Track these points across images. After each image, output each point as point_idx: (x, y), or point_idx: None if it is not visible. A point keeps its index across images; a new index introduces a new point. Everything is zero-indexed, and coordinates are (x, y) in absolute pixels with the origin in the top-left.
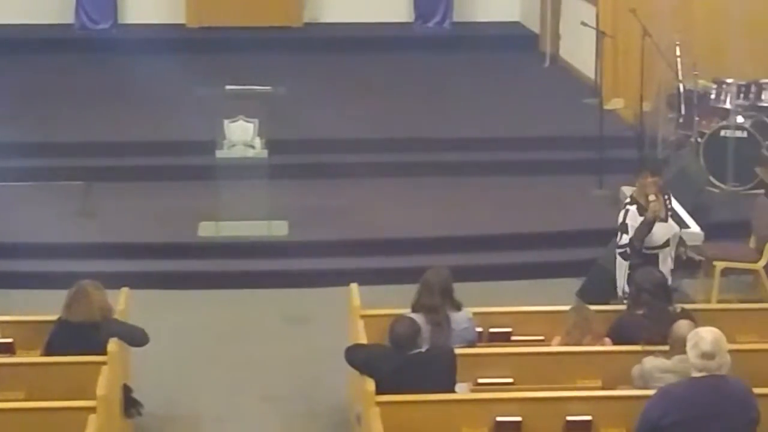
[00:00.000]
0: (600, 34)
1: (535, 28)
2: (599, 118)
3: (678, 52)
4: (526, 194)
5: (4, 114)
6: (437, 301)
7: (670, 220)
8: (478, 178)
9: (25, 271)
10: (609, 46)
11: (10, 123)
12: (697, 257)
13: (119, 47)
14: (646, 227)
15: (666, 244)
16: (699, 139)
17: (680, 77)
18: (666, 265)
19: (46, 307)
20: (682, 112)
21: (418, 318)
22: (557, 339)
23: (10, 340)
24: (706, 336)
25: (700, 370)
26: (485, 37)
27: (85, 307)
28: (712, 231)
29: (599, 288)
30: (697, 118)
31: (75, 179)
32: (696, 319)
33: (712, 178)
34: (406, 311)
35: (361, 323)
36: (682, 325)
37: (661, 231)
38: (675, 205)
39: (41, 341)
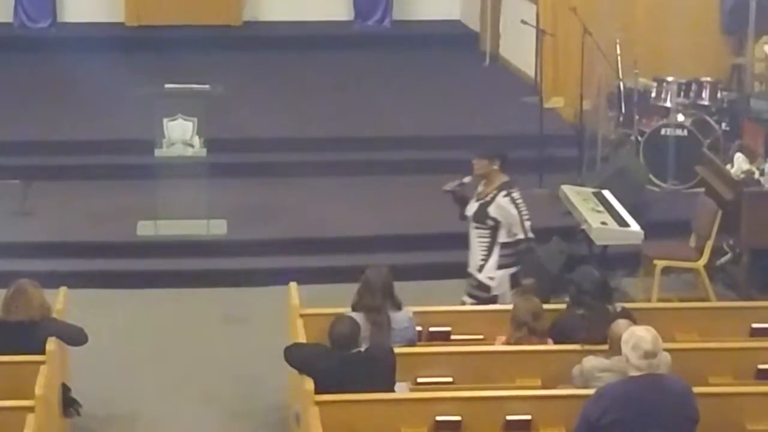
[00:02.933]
0: (540, 33)
1: (476, 26)
2: (539, 116)
3: (618, 51)
4: None
5: None
6: (378, 301)
7: (474, 203)
8: (418, 176)
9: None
10: (549, 45)
11: None
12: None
13: (58, 46)
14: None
15: (472, 219)
16: (639, 138)
17: (621, 76)
18: (474, 244)
19: None
20: (623, 110)
21: (358, 317)
22: (501, 339)
23: None
24: (646, 335)
25: (641, 370)
26: (425, 35)
27: (24, 306)
28: (652, 230)
29: (539, 287)
30: (637, 117)
31: (12, 178)
32: (636, 318)
33: (652, 177)
34: (346, 310)
35: (300, 322)
36: (620, 324)
37: (469, 205)
38: (614, 203)
39: None
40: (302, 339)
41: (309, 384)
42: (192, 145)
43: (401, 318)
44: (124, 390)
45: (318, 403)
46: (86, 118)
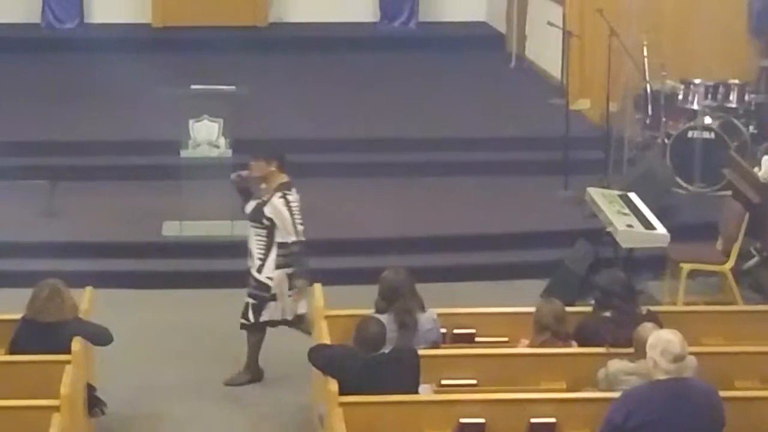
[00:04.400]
0: (566, 35)
1: (502, 28)
2: (565, 118)
3: (645, 53)
4: (492, 194)
5: None
6: (408, 303)
7: (252, 202)
8: (444, 178)
9: None
10: (575, 47)
11: None
12: None
13: (85, 46)
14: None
15: (249, 217)
16: (666, 140)
17: (647, 78)
18: (252, 243)
19: (10, 305)
20: (649, 112)
21: (384, 319)
22: (524, 342)
23: None
24: (674, 339)
25: (669, 374)
26: (451, 37)
27: (58, 307)
28: (678, 232)
29: (564, 289)
30: (664, 119)
31: (39, 178)
32: (662, 321)
33: (678, 180)
34: (370, 312)
35: (324, 323)
36: (646, 327)
37: (249, 206)
38: (641, 205)
39: (5, 340)
40: (326, 340)
41: (333, 385)
42: (217, 146)
43: (426, 319)
44: (149, 390)
45: (342, 404)
46: (112, 119)
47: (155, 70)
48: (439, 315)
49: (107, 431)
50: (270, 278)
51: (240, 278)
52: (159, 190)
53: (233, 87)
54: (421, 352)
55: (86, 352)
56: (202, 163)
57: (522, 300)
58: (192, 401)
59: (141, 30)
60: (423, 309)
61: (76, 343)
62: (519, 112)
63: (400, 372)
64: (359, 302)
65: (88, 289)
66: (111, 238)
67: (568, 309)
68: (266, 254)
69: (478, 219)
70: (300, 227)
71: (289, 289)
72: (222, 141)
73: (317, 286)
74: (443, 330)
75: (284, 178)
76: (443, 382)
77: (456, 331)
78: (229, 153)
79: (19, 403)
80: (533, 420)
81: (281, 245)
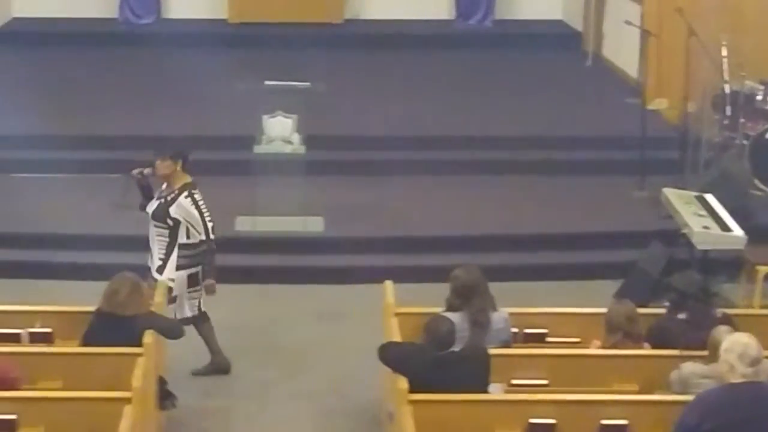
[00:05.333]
0: (644, 33)
1: (578, 26)
2: (642, 118)
3: (724, 53)
4: (566, 194)
5: (46, 106)
6: (482, 301)
7: (155, 201)
8: (517, 177)
9: (63, 261)
10: (653, 46)
11: (52, 115)
12: None
13: (161, 42)
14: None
15: (152, 217)
16: (744, 142)
17: (726, 78)
18: (153, 243)
19: (84, 297)
20: (727, 113)
21: (454, 317)
22: (596, 343)
23: (49, 329)
24: (751, 342)
25: (746, 377)
26: (527, 35)
27: (137, 301)
28: (755, 235)
29: (638, 290)
30: (742, 120)
31: (114, 172)
32: (737, 324)
33: (756, 181)
34: (440, 309)
35: (394, 321)
36: (721, 330)
37: (152, 202)
38: (717, 207)
39: (79, 331)
40: (396, 337)
41: (403, 383)
42: (291, 142)
43: (497, 319)
44: (220, 384)
45: (411, 402)
46: (187, 114)
47: (230, 65)
48: (510, 314)
49: (178, 425)
50: (171, 279)
51: (314, 273)
52: (232, 186)
53: (308, 83)
54: (492, 351)
55: (158, 345)
56: (275, 158)
57: (595, 300)
58: (262, 396)
59: (217, 26)
60: (495, 308)
61: (149, 337)
62: (595, 112)
63: (470, 371)
64: (429, 300)
65: (161, 282)
66: None
67: (642, 310)
68: (168, 255)
69: (552, 218)
70: (210, 225)
71: (190, 289)
72: (295, 137)
73: (388, 284)
74: (515, 329)
75: (188, 178)
76: (514, 381)
77: (527, 330)
78: (302, 149)
79: (92, 394)
80: (604, 422)
81: (184, 246)
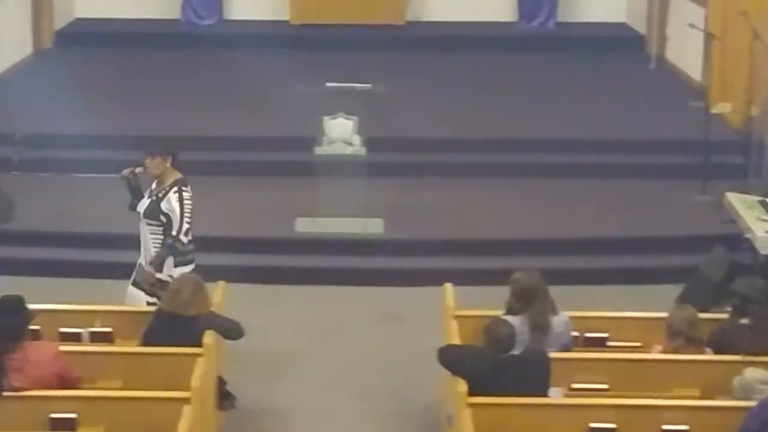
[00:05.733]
0: (708, 37)
1: (642, 29)
2: (705, 122)
3: None
4: (628, 197)
5: (109, 107)
6: (543, 306)
7: (146, 199)
8: (578, 180)
9: (120, 261)
10: (717, 49)
11: (115, 116)
12: None
13: (223, 43)
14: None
15: (144, 215)
16: None
17: None
18: (147, 241)
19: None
20: None
21: (514, 320)
22: (658, 347)
23: (109, 329)
24: None
25: None
26: (590, 37)
27: (199, 301)
28: None
29: (700, 295)
30: None
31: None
32: None
33: None
34: (500, 312)
35: (454, 323)
36: None
37: (143, 201)
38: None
39: (139, 331)
40: (456, 340)
41: (462, 386)
42: (351, 144)
43: (557, 322)
44: (279, 385)
45: (471, 405)
46: (248, 115)
47: (292, 67)
48: (571, 318)
49: (237, 425)
50: (171, 276)
51: (374, 275)
52: (293, 187)
53: (369, 85)
54: (552, 355)
55: (218, 345)
56: (335, 160)
57: (656, 305)
58: (321, 397)
59: (279, 27)
60: (555, 312)
61: (208, 337)
62: (658, 115)
63: (529, 374)
64: (489, 303)
65: (221, 283)
66: (244, 233)
67: (703, 315)
68: None
69: (614, 222)
70: (186, 226)
71: None
72: (356, 139)
73: (448, 286)
74: (575, 333)
75: (178, 174)
76: (574, 385)
77: (588, 334)
78: (363, 151)
79: (151, 394)
80: (665, 427)
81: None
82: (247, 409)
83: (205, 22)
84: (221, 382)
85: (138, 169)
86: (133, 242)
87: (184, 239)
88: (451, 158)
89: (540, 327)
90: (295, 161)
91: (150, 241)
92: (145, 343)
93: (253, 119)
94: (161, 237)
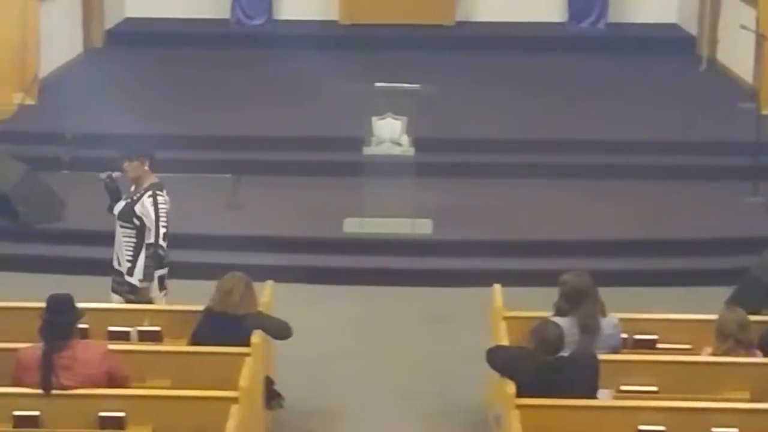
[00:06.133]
0: (759, 38)
1: (693, 30)
2: (756, 123)
3: None
4: (678, 199)
5: (158, 106)
6: (593, 307)
7: (122, 201)
8: (628, 181)
9: (173, 260)
10: None
11: (164, 115)
12: None
13: (273, 43)
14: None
15: (118, 217)
16: None
17: None
18: (121, 244)
19: (192, 296)
20: None
21: (563, 322)
22: (707, 350)
23: (158, 328)
24: None
25: None
26: (640, 38)
27: (249, 301)
28: None
29: (751, 298)
30: None
31: (224, 172)
32: None
33: None
34: (549, 314)
35: (503, 325)
36: None
37: (119, 206)
38: None
39: (187, 330)
40: (504, 341)
41: (510, 387)
42: (400, 144)
43: (607, 324)
44: (327, 385)
45: (519, 406)
46: (297, 115)
47: (341, 67)
48: (620, 320)
49: (285, 424)
50: (141, 281)
51: (422, 276)
52: (341, 187)
53: (417, 85)
54: (601, 356)
55: (266, 345)
56: (384, 160)
57: (706, 307)
58: (369, 397)
59: (328, 27)
60: (604, 313)
61: (257, 337)
62: (708, 116)
63: (578, 376)
64: (538, 304)
65: (270, 282)
66: (292, 233)
67: (754, 318)
68: (135, 256)
69: (664, 223)
70: (163, 230)
71: (162, 291)
72: (405, 139)
73: (496, 287)
74: (624, 335)
75: (154, 178)
76: (623, 387)
77: (637, 336)
78: (411, 151)
79: (200, 393)
80: (715, 429)
81: (147, 246)
82: (295, 409)
83: (254, 22)
84: (269, 382)
85: (115, 174)
86: (181, 241)
87: (164, 244)
88: (500, 159)
89: (589, 329)
90: (343, 161)
91: (123, 243)
92: (193, 343)
93: (302, 119)
94: (134, 240)
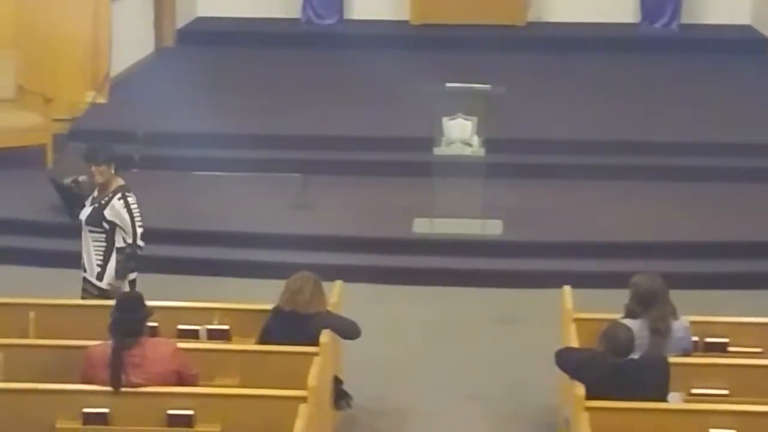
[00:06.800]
0: None
1: (766, 31)
2: None
3: None
4: (750, 201)
5: (228, 105)
6: (665, 310)
7: (88, 207)
8: (698, 183)
9: (241, 259)
10: None
11: (235, 115)
12: None
13: (343, 42)
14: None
15: (87, 222)
16: None
17: None
18: (90, 249)
19: (261, 295)
20: None
21: (633, 324)
22: None
23: (226, 327)
24: None
25: None
26: (713, 39)
27: (319, 300)
28: None
29: None
30: None
31: (293, 171)
32: None
33: None
34: (619, 316)
35: (572, 326)
36: None
37: (84, 209)
38: None
39: (256, 329)
40: (574, 343)
41: (580, 389)
42: (470, 145)
43: (677, 327)
44: (395, 385)
45: (589, 408)
46: (367, 115)
47: (411, 67)
48: (691, 323)
49: (353, 424)
50: (110, 285)
51: (492, 277)
52: (410, 187)
53: (488, 86)
54: (671, 359)
55: (334, 345)
56: (454, 161)
57: None
58: (437, 398)
59: (399, 27)
60: (675, 316)
61: (325, 336)
62: None
63: (648, 379)
64: (608, 306)
65: (339, 282)
66: (361, 233)
67: None
68: (106, 260)
69: (735, 226)
70: (140, 230)
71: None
72: (475, 140)
73: (566, 289)
74: (695, 338)
75: (120, 181)
76: (694, 391)
77: (708, 339)
78: (482, 152)
79: (268, 392)
80: None
81: (121, 250)
82: (363, 409)
83: (325, 21)
84: (337, 382)
85: (81, 178)
86: (249, 240)
87: (141, 243)
88: (570, 160)
89: (660, 331)
90: (413, 161)
91: (92, 248)
92: (262, 342)
93: (372, 119)
94: (104, 244)
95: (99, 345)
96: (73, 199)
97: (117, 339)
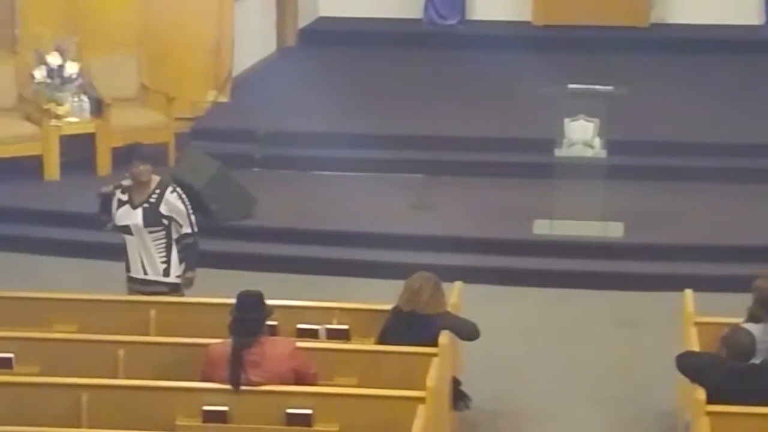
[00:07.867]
0: None
1: None
2: None
3: None
4: None
5: (350, 105)
6: None
7: (133, 211)
8: None
9: (360, 259)
10: None
11: (356, 114)
12: None
13: (465, 43)
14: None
15: (126, 229)
16: None
17: None
18: (150, 250)
19: (380, 295)
20: None
21: (755, 329)
22: None
23: (346, 326)
24: None
25: None
26: None
27: (438, 300)
28: None
29: None
30: None
31: (413, 172)
32: None
33: None
34: (741, 320)
35: (694, 330)
36: None
37: (122, 215)
38: None
39: (375, 329)
40: (695, 347)
41: (701, 393)
42: (592, 147)
43: None
44: (513, 387)
45: (709, 413)
46: (489, 115)
47: (533, 68)
48: None
49: (471, 426)
50: (179, 277)
51: (612, 279)
52: (531, 188)
53: (611, 87)
54: None
55: (453, 346)
56: (575, 162)
57: None
58: (557, 400)
59: (521, 28)
60: None
61: (444, 337)
62: None
63: None
64: (730, 310)
65: (458, 283)
66: (481, 233)
67: None
68: (168, 255)
69: None
70: (193, 218)
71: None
72: (597, 141)
73: (688, 292)
74: None
75: (157, 177)
76: None
77: None
78: (603, 154)
79: (386, 392)
80: None
81: (176, 241)
82: (482, 411)
83: (447, 22)
84: (456, 383)
85: (125, 182)
86: (369, 240)
87: (197, 229)
88: (693, 162)
89: None
90: (534, 163)
91: (153, 248)
92: (381, 342)
93: (494, 120)
94: (164, 240)
95: (219, 343)
96: (104, 208)
97: (236, 338)
